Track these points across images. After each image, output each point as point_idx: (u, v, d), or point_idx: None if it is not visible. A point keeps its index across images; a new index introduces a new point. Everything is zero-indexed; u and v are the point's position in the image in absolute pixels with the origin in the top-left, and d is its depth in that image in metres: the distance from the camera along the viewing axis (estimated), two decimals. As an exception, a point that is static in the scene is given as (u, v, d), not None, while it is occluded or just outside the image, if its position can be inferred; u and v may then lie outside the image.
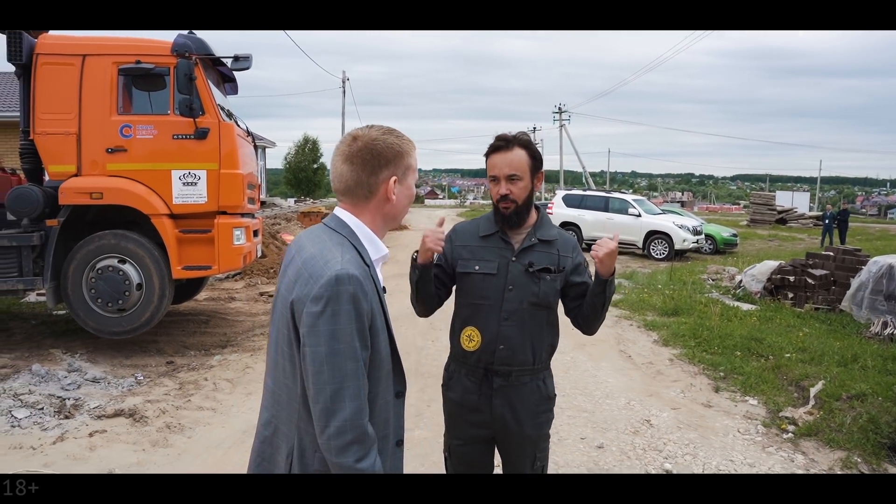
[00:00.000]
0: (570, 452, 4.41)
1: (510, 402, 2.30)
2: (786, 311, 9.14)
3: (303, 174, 48.38)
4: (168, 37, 6.56)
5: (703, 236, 19.01)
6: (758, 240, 25.08)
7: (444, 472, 2.53)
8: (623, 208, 18.60)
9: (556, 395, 2.44)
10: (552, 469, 4.06)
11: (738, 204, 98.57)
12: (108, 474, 3.88)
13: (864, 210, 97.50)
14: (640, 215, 18.20)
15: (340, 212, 1.63)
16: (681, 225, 17.83)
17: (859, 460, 4.33)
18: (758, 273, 10.61)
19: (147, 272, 6.41)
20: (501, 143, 2.28)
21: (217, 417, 4.98)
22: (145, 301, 6.44)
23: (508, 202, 2.28)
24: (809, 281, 9.58)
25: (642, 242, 17.98)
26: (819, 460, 4.39)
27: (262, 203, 23.28)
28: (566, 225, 18.60)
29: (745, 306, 9.58)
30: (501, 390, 2.29)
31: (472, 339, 2.30)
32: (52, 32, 6.59)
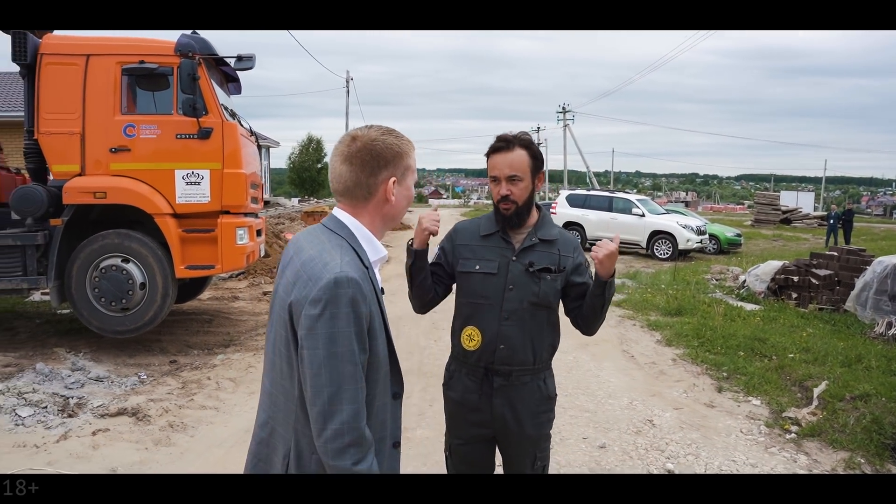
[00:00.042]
0: (572, 452, 4.40)
1: (510, 402, 2.29)
2: (789, 311, 9.12)
3: (307, 174, 48.49)
4: (172, 37, 6.58)
5: (706, 236, 18.97)
6: (762, 240, 25.01)
7: (445, 471, 2.53)
8: (627, 208, 18.57)
9: (556, 394, 2.44)
10: (554, 469, 4.06)
11: (743, 204, 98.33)
12: (107, 474, 3.89)
13: (869, 210, 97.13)
14: (643, 215, 18.17)
15: (339, 212, 1.62)
16: (684, 225, 17.80)
17: (862, 461, 4.31)
18: (761, 273, 10.59)
19: (150, 271, 6.43)
20: (502, 144, 2.28)
21: (220, 416, 4.99)
22: (148, 300, 6.46)
23: (509, 203, 2.28)
24: (813, 281, 9.56)
25: (646, 242, 17.95)
26: (822, 461, 4.38)
27: (266, 203, 23.32)
28: (570, 225, 18.59)
29: (749, 306, 9.55)
30: (502, 390, 2.29)
31: (472, 338, 2.30)
32: (56, 32, 6.62)
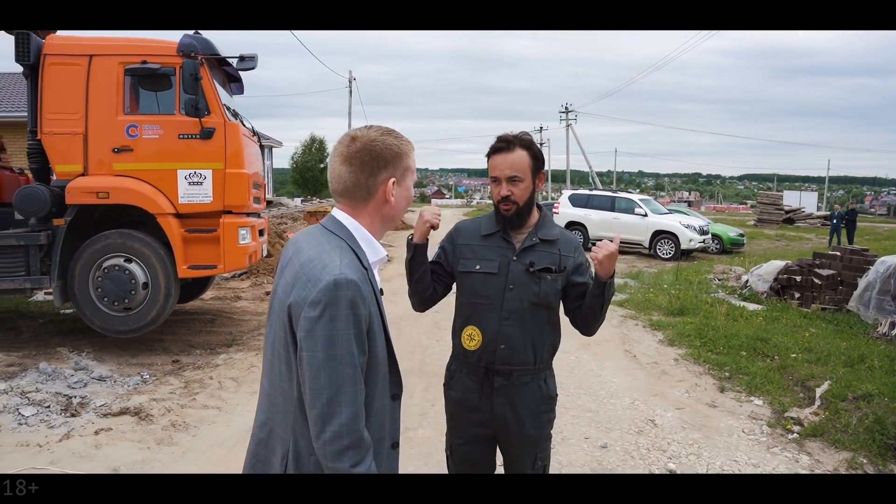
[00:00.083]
0: (573, 452, 4.40)
1: (511, 402, 2.29)
2: (792, 311, 9.10)
3: (309, 174, 48.52)
4: (174, 37, 6.59)
5: (709, 236, 18.96)
6: (765, 240, 24.97)
7: (446, 471, 2.53)
8: (629, 208, 18.56)
9: (557, 395, 2.43)
10: (555, 468, 4.06)
11: (746, 204, 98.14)
12: (106, 474, 3.90)
13: (872, 210, 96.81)
14: (646, 215, 18.16)
15: (338, 213, 1.62)
16: (687, 224, 17.79)
17: (865, 461, 4.30)
18: (764, 273, 10.57)
19: (153, 271, 6.45)
20: (503, 145, 2.27)
21: (222, 416, 5.00)
22: (151, 300, 6.47)
23: (509, 203, 2.28)
24: (816, 281, 9.54)
25: (648, 242, 17.94)
26: (824, 461, 4.37)
27: (269, 202, 23.35)
28: (573, 224, 18.60)
29: (752, 306, 9.54)
30: (502, 390, 2.29)
31: (472, 338, 2.30)
32: (59, 33, 6.63)
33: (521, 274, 2.27)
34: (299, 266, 1.51)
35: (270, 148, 32.17)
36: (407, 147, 1.63)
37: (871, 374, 5.77)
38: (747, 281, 10.99)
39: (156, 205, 6.41)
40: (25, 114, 6.68)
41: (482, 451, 2.40)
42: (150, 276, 6.44)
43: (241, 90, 8.00)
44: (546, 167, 2.41)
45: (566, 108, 45.77)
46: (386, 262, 1.68)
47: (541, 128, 59.14)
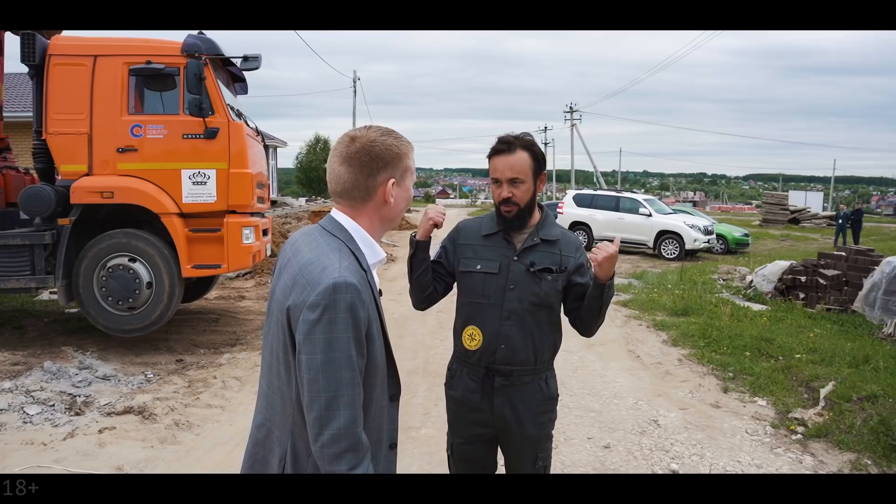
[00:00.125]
0: (576, 452, 4.40)
1: (511, 402, 2.29)
2: (797, 311, 9.07)
3: (314, 173, 48.57)
4: (178, 37, 6.61)
5: (714, 236, 18.90)
6: (770, 240, 24.89)
7: (448, 470, 2.53)
8: (634, 208, 18.53)
9: (558, 395, 2.43)
10: (558, 468, 4.06)
11: (751, 204, 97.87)
12: (106, 474, 3.91)
13: (879, 210, 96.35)
14: (650, 215, 18.13)
15: (337, 214, 1.61)
16: (692, 224, 17.75)
17: (869, 462, 4.29)
18: (769, 273, 10.54)
19: (157, 271, 6.47)
20: (503, 146, 2.26)
21: (225, 415, 5.01)
22: (155, 299, 6.49)
23: (511, 205, 2.27)
24: (821, 281, 9.50)
25: (653, 242, 17.90)
26: (828, 462, 4.35)
27: (273, 202, 23.37)
28: (577, 224, 18.58)
29: (756, 306, 9.51)
30: (503, 389, 2.29)
31: (473, 338, 2.30)
32: (64, 33, 6.65)
33: (521, 274, 2.27)
34: (298, 268, 1.50)
35: (275, 148, 32.25)
36: (406, 148, 1.63)
37: (876, 375, 5.74)
38: (752, 281, 10.96)
39: (160, 204, 6.43)
40: (31, 114, 6.71)
41: (483, 451, 2.40)
42: (154, 275, 6.46)
43: (245, 90, 8.02)
44: (549, 167, 2.41)
45: (571, 107, 45.68)
46: (385, 263, 1.67)
47: (545, 128, 59.16)
